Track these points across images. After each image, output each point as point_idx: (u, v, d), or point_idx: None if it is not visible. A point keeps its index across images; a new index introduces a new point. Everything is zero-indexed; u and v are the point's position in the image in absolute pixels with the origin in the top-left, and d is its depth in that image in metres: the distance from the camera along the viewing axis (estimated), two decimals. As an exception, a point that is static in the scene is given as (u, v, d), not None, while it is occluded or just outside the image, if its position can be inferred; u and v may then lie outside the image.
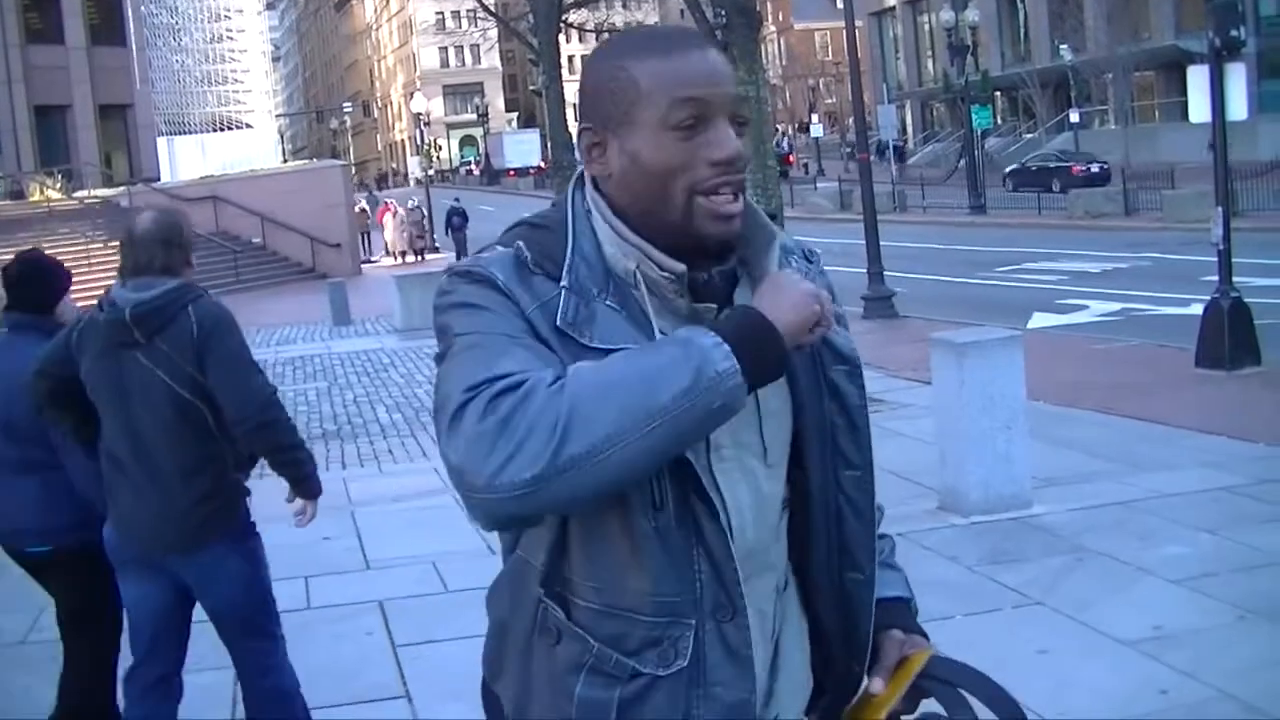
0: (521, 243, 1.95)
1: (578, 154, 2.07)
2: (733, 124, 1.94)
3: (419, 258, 40.86)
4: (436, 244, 43.99)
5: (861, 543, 2.14)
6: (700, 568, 1.89)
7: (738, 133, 1.95)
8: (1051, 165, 47.87)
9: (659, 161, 1.92)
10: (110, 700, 5.58)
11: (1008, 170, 49.42)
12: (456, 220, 41.53)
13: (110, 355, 4.59)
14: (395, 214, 44.15)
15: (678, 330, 1.80)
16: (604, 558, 1.90)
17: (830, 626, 2.13)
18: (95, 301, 4.75)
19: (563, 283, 1.90)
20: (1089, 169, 45.94)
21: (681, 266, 1.93)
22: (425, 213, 44.57)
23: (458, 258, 38.19)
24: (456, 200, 46.06)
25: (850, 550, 2.13)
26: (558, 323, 1.86)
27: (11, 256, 5.57)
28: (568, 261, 1.92)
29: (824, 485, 2.09)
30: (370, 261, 43.35)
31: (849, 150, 63.91)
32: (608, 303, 1.91)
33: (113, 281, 4.87)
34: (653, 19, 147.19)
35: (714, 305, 1.97)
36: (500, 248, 1.96)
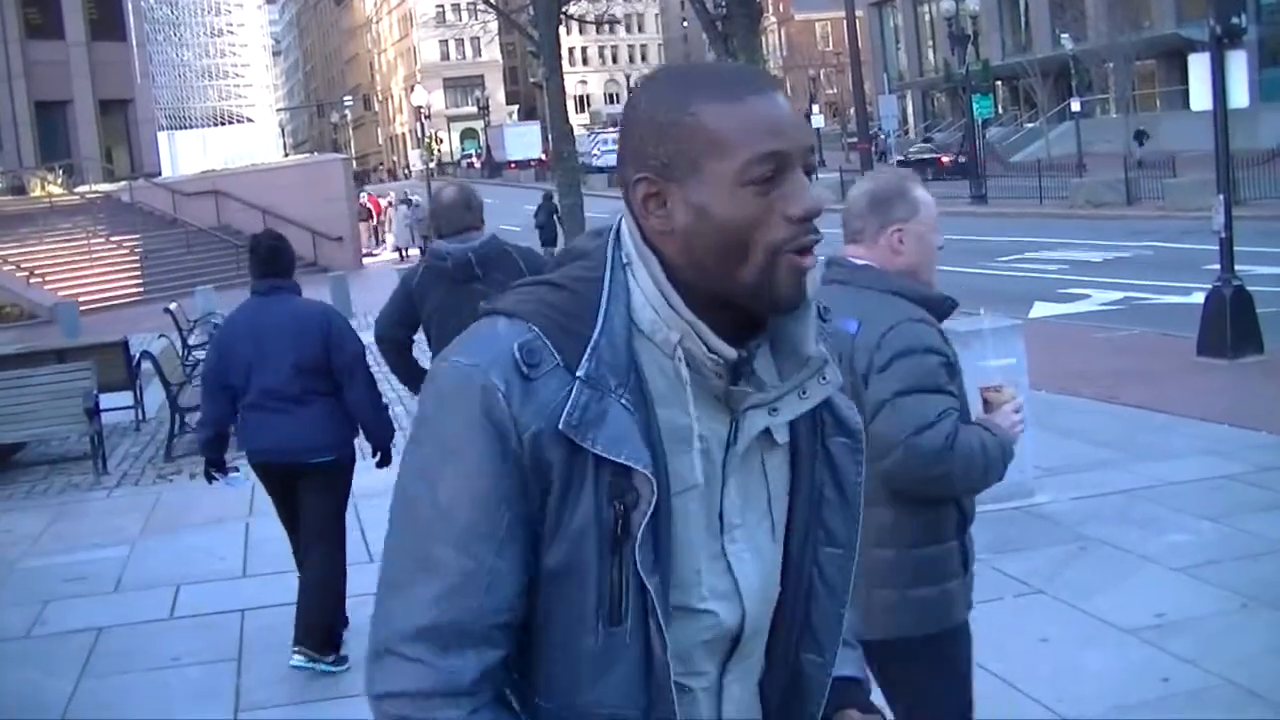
0: (534, 331, 1.77)
1: (625, 204, 1.85)
2: (805, 173, 1.80)
3: (423, 254, 40.82)
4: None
5: (828, 625, 2.00)
6: (650, 681, 1.79)
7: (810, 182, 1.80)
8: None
9: (735, 218, 1.74)
10: (342, 612, 6.81)
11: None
12: None
13: (456, 292, 6.33)
14: (384, 210, 43.69)
15: None
16: (549, 667, 1.81)
17: (773, 702, 2.00)
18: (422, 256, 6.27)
19: (579, 373, 1.74)
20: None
21: (732, 352, 1.79)
22: (426, 208, 44.48)
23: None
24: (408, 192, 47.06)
25: (814, 631, 1.99)
26: (560, 425, 1.72)
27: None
28: (592, 343, 1.75)
29: (800, 560, 1.96)
30: (372, 255, 43.16)
31: (850, 141, 63.84)
32: (623, 401, 1.74)
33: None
34: (652, 11, 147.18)
35: (750, 390, 1.82)
36: (507, 324, 1.80)
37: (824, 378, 1.87)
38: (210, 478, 7.03)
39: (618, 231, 1.86)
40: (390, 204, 45.21)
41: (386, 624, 1.78)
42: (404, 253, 41.03)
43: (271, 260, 6.69)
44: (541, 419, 1.73)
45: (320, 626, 6.67)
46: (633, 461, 1.73)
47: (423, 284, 6.82)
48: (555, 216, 30.80)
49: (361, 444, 7.03)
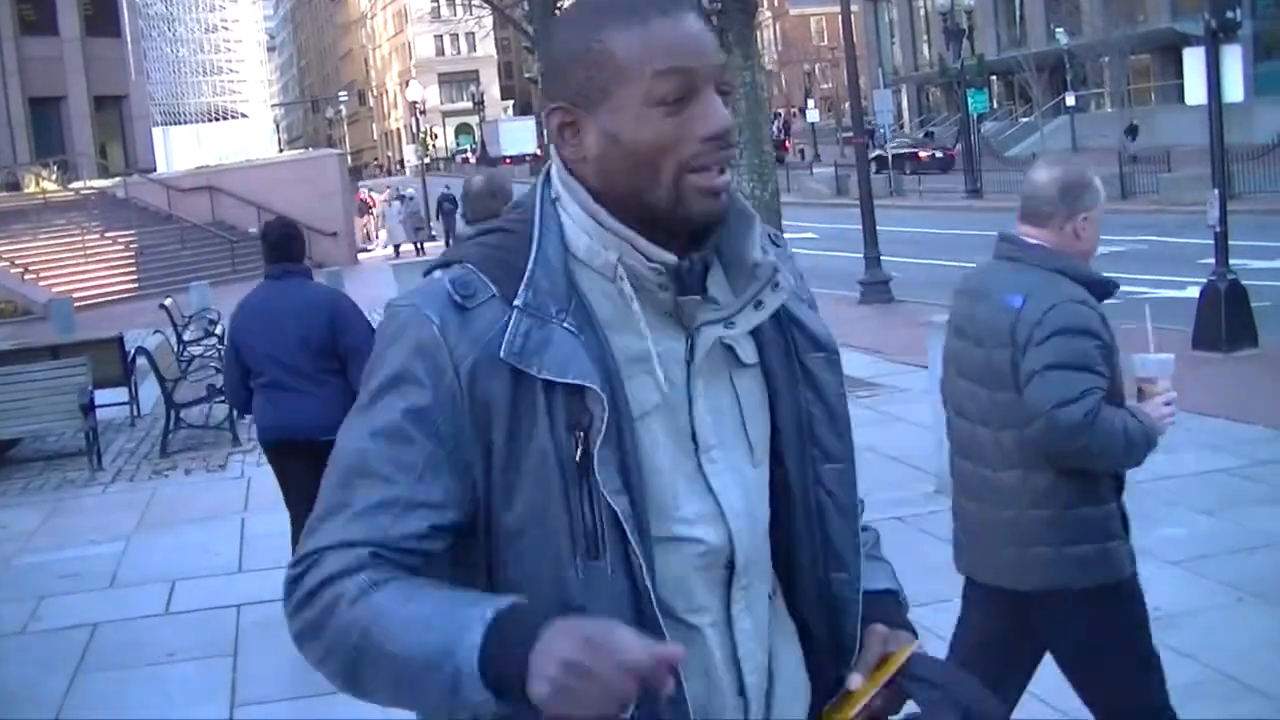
0: (468, 266, 1.81)
1: (546, 136, 1.94)
2: (719, 93, 1.81)
3: (419, 250, 40.43)
4: (434, 233, 43.61)
5: (846, 540, 1.99)
6: (640, 618, 1.75)
7: (725, 103, 1.80)
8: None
9: (645, 140, 1.76)
10: None
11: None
12: (447, 206, 41.48)
13: None
14: (375, 206, 42.95)
15: (448, 620, 1.64)
16: (537, 607, 1.72)
17: (817, 630, 2.00)
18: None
19: (516, 302, 1.75)
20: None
21: (672, 257, 1.79)
22: (422, 203, 44.28)
23: (447, 242, 38.15)
24: (448, 187, 46.29)
25: (835, 548, 1.98)
26: (501, 354, 1.73)
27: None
28: (528, 273, 1.77)
29: (803, 481, 1.96)
30: (367, 251, 42.84)
31: (845, 135, 63.85)
32: (565, 324, 1.75)
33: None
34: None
35: (698, 297, 1.84)
36: (442, 271, 1.84)
37: (776, 285, 1.87)
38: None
39: (547, 172, 1.89)
40: (386, 200, 44.87)
41: (295, 554, 1.82)
42: (398, 249, 40.57)
43: (283, 246, 7.05)
44: (478, 348, 1.75)
45: None
46: (581, 379, 1.73)
47: None
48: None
49: None
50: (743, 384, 1.91)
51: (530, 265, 1.79)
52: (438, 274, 1.84)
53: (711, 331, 1.85)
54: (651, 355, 1.80)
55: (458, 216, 39.49)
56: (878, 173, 49.21)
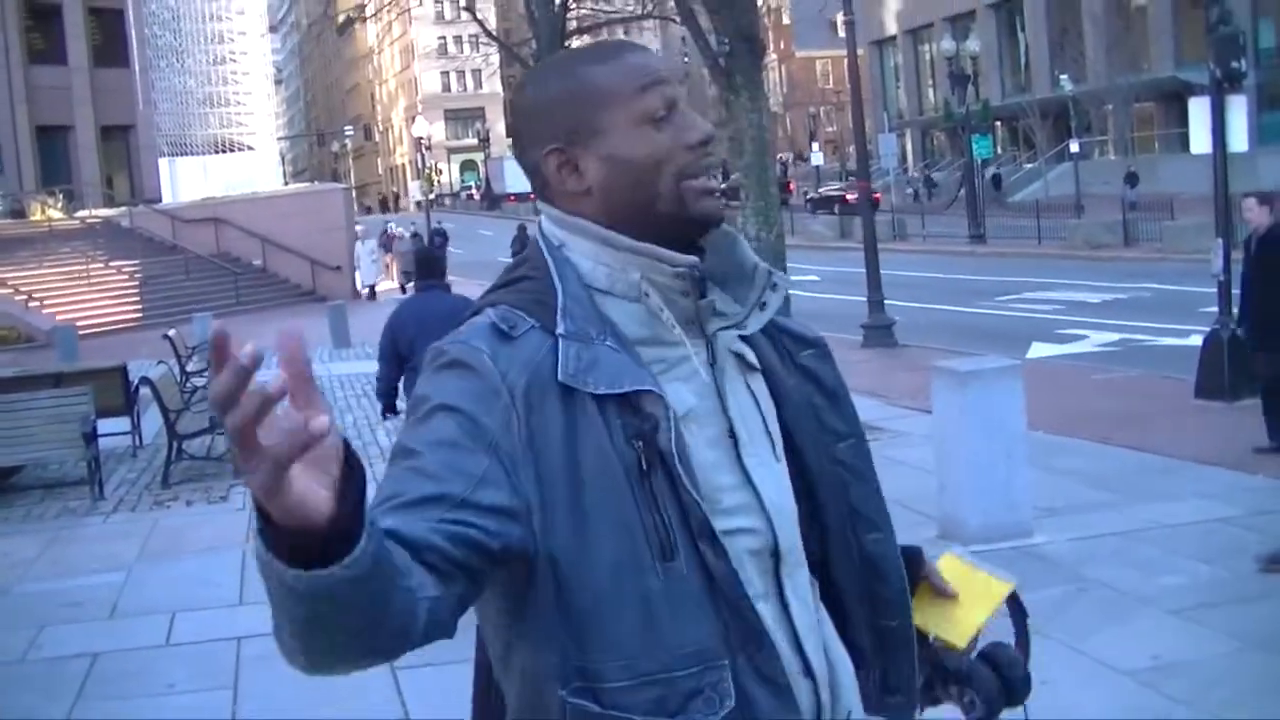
0: (504, 306, 1.89)
1: (537, 194, 2.00)
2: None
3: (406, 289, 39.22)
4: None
5: (871, 504, 2.14)
6: (720, 605, 1.82)
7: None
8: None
9: (642, 155, 1.90)
10: None
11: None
12: (438, 240, 41.66)
13: None
14: (364, 242, 39.15)
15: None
16: (622, 628, 1.79)
17: (850, 591, 2.10)
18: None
19: (559, 330, 1.83)
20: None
21: (694, 258, 1.91)
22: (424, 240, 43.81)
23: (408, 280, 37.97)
24: (439, 223, 46.76)
25: (863, 514, 2.13)
26: (560, 377, 1.79)
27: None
28: (560, 306, 1.86)
29: (821, 464, 2.08)
30: (368, 290, 39.82)
31: (849, 178, 64.13)
32: (608, 344, 1.84)
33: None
34: (654, 45, 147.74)
35: (713, 299, 1.96)
36: (480, 315, 1.90)
37: (774, 286, 1.99)
38: (385, 417, 9.72)
39: (541, 230, 2.00)
40: (359, 237, 40.89)
41: None
42: (373, 290, 38.65)
43: (428, 266, 9.30)
44: (528, 372, 1.81)
45: None
46: (638, 385, 1.81)
47: None
48: (527, 246, 34.09)
49: None
50: (756, 387, 2.02)
51: (560, 299, 1.88)
52: (476, 318, 1.91)
53: (727, 335, 1.98)
54: (691, 358, 1.91)
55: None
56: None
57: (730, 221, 2.06)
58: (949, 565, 2.29)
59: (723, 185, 1.96)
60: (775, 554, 1.94)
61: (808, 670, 1.95)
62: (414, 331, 8.56)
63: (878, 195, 53.01)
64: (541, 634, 1.82)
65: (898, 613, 2.13)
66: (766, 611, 1.90)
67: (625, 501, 1.79)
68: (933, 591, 2.23)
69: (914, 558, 2.25)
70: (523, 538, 1.77)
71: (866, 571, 2.11)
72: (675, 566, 1.80)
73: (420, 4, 73.68)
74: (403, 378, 8.84)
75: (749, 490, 1.92)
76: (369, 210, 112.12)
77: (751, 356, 2.04)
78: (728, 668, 1.82)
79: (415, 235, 43.08)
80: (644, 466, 1.79)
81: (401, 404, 8.45)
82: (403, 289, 38.88)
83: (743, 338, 2.00)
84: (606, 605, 1.79)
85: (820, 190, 65.28)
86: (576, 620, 1.80)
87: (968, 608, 2.20)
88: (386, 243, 44.06)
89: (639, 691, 1.78)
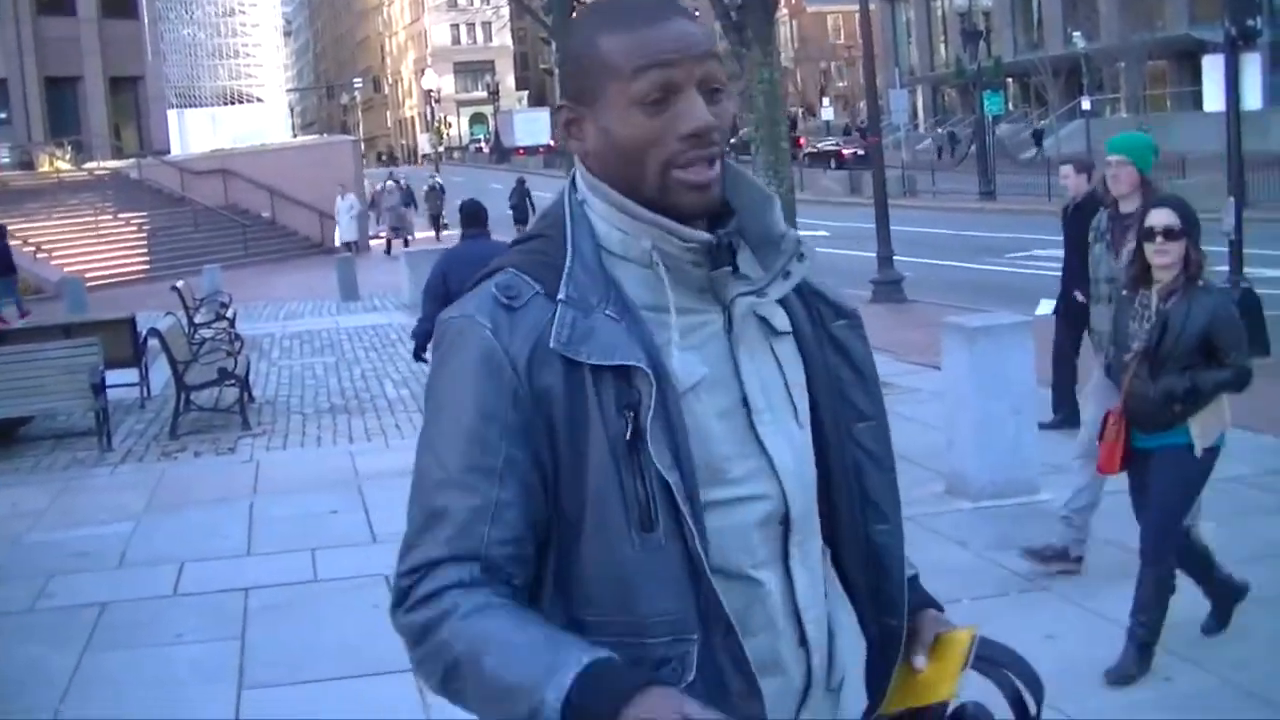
0: (511, 271, 1.92)
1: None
2: (706, 93, 1.89)
3: (403, 241, 37.22)
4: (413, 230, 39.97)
5: (885, 493, 2.12)
6: (697, 582, 1.85)
7: (712, 101, 1.89)
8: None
9: (628, 137, 1.88)
10: None
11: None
12: (439, 193, 41.69)
13: None
14: (344, 198, 37.37)
15: (546, 655, 1.72)
16: (599, 589, 1.86)
17: (858, 582, 2.11)
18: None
19: (559, 296, 1.86)
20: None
21: (706, 234, 1.90)
22: (405, 190, 41.52)
23: (436, 234, 37.78)
24: (433, 176, 46.49)
25: (874, 502, 2.11)
26: (551, 344, 1.83)
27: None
28: (566, 269, 1.88)
29: (839, 441, 2.08)
30: (379, 237, 39.05)
31: (860, 133, 63.94)
32: (607, 312, 1.85)
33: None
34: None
35: (729, 268, 1.94)
36: (490, 280, 1.95)
37: (801, 256, 1.99)
38: (419, 359, 10.05)
39: (573, 178, 1.99)
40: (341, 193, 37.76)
41: (401, 566, 1.89)
42: (351, 247, 35.80)
43: (474, 216, 9.89)
44: (530, 343, 1.84)
45: None
46: (628, 360, 1.81)
47: None
48: (527, 199, 36.53)
49: None
50: (782, 351, 2.02)
51: (568, 262, 1.89)
52: (485, 283, 1.94)
53: (745, 302, 1.96)
54: (703, 323, 1.92)
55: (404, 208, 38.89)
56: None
57: None
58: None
59: (716, 174, 1.91)
60: (786, 521, 1.95)
61: (803, 639, 1.98)
62: (466, 274, 8.94)
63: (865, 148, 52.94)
64: (538, 581, 1.91)
65: (897, 612, 2.10)
66: (766, 578, 1.94)
67: (610, 470, 1.83)
68: (904, 673, 2.10)
69: (913, 587, 2.16)
70: (545, 504, 1.87)
71: (869, 561, 2.11)
72: (653, 538, 1.83)
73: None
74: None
75: (763, 458, 1.93)
76: (380, 160, 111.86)
77: (780, 320, 2.03)
78: (695, 642, 1.85)
79: (399, 185, 41.73)
80: (629, 437, 1.82)
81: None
82: (389, 245, 37.47)
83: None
84: (588, 565, 1.87)
85: (817, 145, 65.36)
86: (563, 573, 1.89)
87: (938, 664, 2.07)
88: (376, 197, 42.15)
89: (614, 647, 1.82)
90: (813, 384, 2.06)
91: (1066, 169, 10.63)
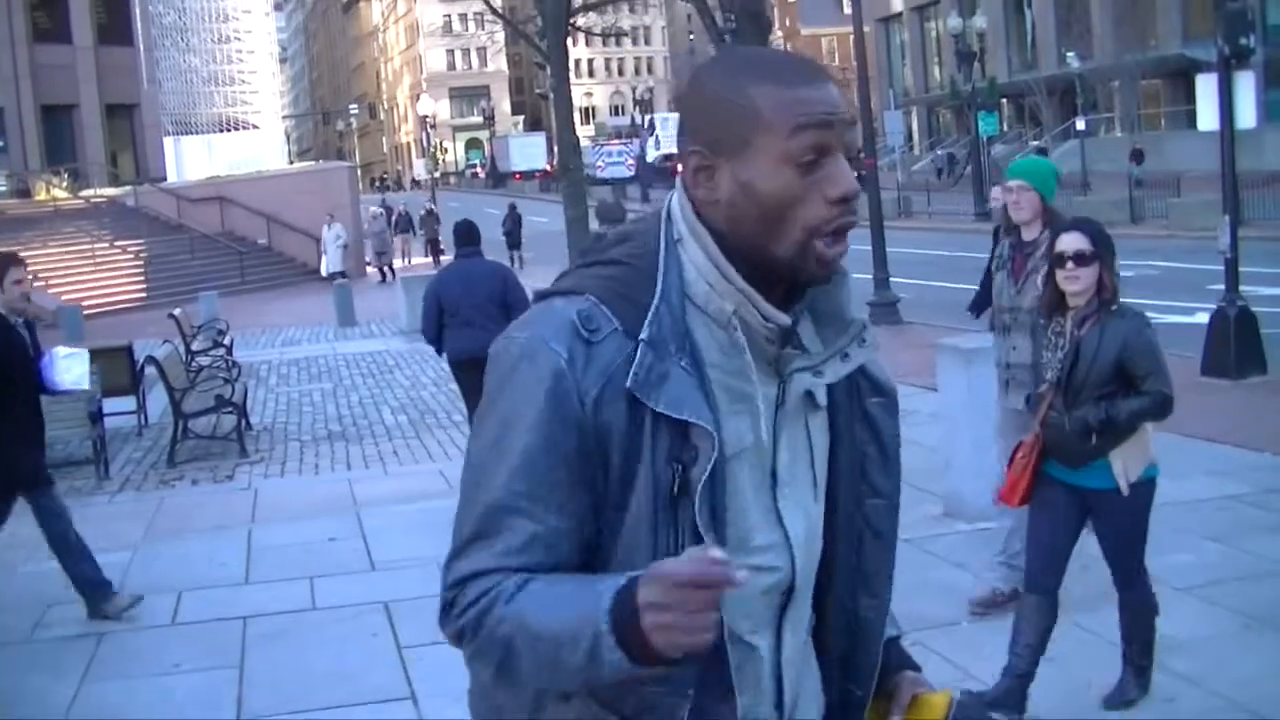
0: (590, 299, 1.88)
1: (678, 178, 1.97)
2: (848, 160, 1.89)
3: (382, 275, 36.73)
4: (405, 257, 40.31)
5: (880, 569, 2.13)
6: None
7: (852, 168, 1.89)
8: None
9: (775, 193, 1.84)
10: None
11: None
12: (435, 220, 41.74)
13: None
14: (330, 227, 36.29)
15: (585, 598, 1.75)
16: None
17: (832, 648, 2.12)
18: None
19: (642, 335, 1.83)
20: None
21: (786, 319, 1.90)
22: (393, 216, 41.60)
23: (433, 258, 37.67)
24: (429, 201, 46.64)
25: (868, 577, 2.12)
26: (628, 384, 1.81)
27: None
28: (653, 309, 1.85)
29: (849, 515, 2.08)
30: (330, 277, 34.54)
31: (855, 155, 64.10)
32: (682, 364, 1.84)
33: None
34: (659, 24, 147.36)
35: (798, 352, 1.95)
36: (563, 300, 1.90)
37: (863, 341, 2.00)
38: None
39: (669, 211, 1.95)
40: (327, 223, 36.77)
41: (450, 578, 1.90)
42: (338, 278, 32.44)
43: (466, 235, 10.61)
44: (602, 381, 1.83)
45: None
46: (695, 418, 1.81)
47: None
48: (518, 225, 37.42)
49: None
50: (815, 425, 2.02)
51: (656, 301, 1.87)
52: (559, 303, 1.91)
53: (802, 379, 1.97)
54: (758, 401, 1.91)
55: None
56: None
57: None
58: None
59: (845, 249, 1.91)
60: (788, 591, 1.98)
61: (779, 701, 2.01)
62: (459, 290, 10.16)
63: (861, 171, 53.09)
64: None
65: (863, 681, 2.13)
66: (760, 643, 1.96)
67: (649, 516, 1.83)
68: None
69: (894, 647, 2.21)
70: (595, 531, 1.88)
71: (850, 632, 2.13)
72: None
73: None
74: (445, 329, 10.23)
75: (779, 530, 1.95)
76: (374, 185, 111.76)
77: (820, 394, 2.02)
78: (689, 701, 1.86)
79: (385, 211, 41.61)
80: (674, 491, 1.82)
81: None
82: (383, 273, 36.94)
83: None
84: None
85: None
86: None
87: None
88: (401, 223, 42.21)
89: (610, 688, 1.85)
90: (836, 459, 2.06)
91: (996, 191, 10.53)
